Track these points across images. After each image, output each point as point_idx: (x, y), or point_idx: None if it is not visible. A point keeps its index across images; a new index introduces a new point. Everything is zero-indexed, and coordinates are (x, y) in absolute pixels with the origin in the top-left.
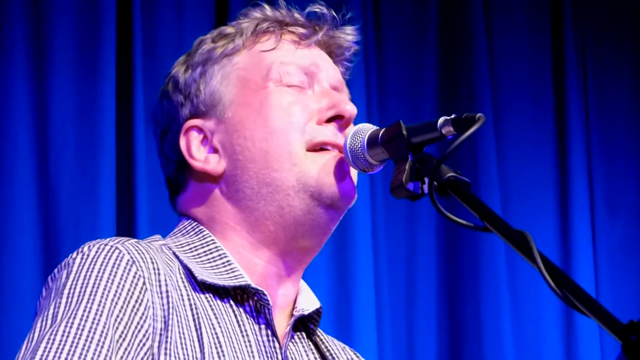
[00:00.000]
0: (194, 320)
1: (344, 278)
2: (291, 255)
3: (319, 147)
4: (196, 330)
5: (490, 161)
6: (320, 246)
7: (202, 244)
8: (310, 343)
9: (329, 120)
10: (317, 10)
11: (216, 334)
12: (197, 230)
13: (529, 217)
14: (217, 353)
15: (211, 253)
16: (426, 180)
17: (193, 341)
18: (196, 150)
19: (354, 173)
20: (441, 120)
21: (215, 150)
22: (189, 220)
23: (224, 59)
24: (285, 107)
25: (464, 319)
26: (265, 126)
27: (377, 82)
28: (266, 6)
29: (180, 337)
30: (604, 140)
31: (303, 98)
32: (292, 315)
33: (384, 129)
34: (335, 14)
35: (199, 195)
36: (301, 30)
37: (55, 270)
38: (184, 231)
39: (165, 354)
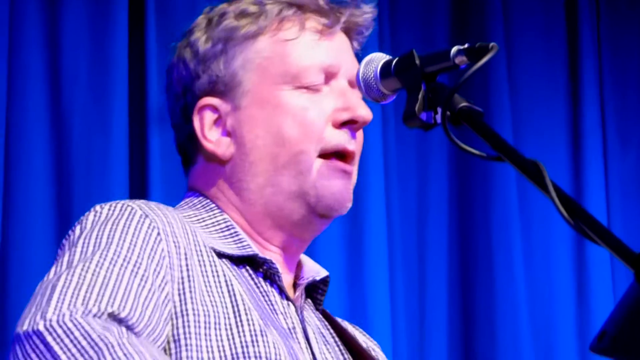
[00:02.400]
0: (221, 276)
1: (356, 230)
2: (291, 241)
3: (331, 152)
4: (227, 285)
5: (502, 93)
6: (318, 233)
7: (209, 215)
8: (317, 312)
9: (344, 124)
10: None
11: (241, 293)
12: (204, 204)
13: (541, 149)
14: (244, 310)
15: (219, 224)
16: (439, 109)
17: (223, 295)
18: (209, 131)
19: (352, 183)
20: (454, 49)
21: (228, 134)
22: (199, 197)
23: (245, 42)
24: (301, 114)
25: (475, 259)
26: (278, 132)
27: (389, 13)
28: None
29: (206, 286)
30: (617, 71)
31: (319, 99)
32: (295, 285)
33: (396, 58)
34: None
35: (207, 174)
36: (324, 20)
37: (70, 231)
38: (190, 204)
39: (192, 301)
